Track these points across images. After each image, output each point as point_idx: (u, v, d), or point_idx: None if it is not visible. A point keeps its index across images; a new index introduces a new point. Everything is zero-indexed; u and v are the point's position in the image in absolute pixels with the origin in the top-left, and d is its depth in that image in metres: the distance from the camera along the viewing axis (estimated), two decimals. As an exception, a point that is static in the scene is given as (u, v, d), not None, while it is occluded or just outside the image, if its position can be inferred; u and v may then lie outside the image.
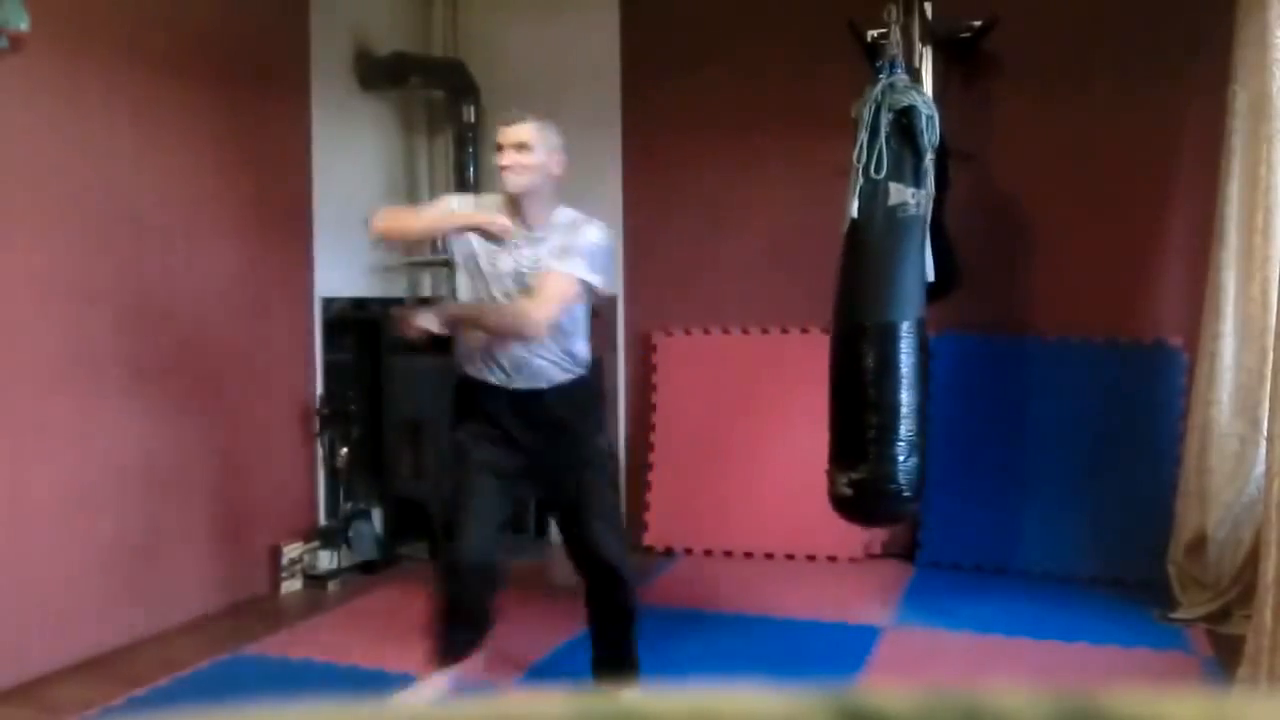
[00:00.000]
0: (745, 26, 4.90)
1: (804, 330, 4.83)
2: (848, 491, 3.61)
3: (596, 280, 2.91)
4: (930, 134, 3.63)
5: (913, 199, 3.63)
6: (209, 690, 3.26)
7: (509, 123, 2.89)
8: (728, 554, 4.76)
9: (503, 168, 2.86)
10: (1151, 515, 4.14)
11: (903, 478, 3.57)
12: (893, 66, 3.69)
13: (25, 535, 3.34)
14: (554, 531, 5.19)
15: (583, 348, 3.02)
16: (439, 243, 3.06)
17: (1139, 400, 4.38)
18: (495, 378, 2.94)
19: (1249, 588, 3.39)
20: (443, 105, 5.24)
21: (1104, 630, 3.70)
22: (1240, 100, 3.76)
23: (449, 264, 3.03)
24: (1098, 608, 3.94)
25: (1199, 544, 3.86)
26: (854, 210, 3.59)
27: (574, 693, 0.34)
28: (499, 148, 2.88)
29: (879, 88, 3.61)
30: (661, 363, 5.06)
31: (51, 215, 3.43)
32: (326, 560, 4.44)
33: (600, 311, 5.19)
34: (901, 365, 3.58)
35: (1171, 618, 3.80)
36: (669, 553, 4.86)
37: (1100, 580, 4.18)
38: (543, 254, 2.86)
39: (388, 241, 2.88)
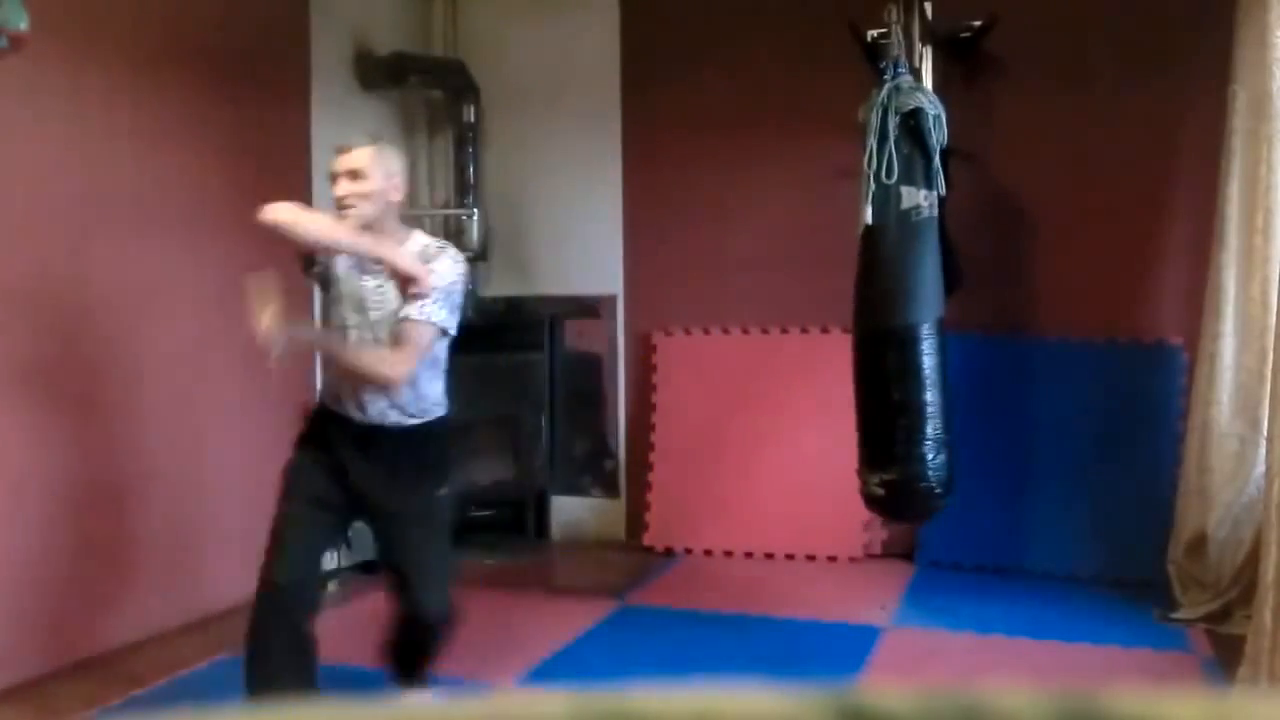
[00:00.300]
0: (745, 26, 4.90)
1: (804, 330, 4.83)
2: (880, 491, 3.66)
3: (452, 324, 2.73)
4: (939, 134, 3.65)
5: (925, 201, 3.65)
6: (208, 690, 3.26)
7: (342, 150, 2.71)
8: (728, 554, 4.76)
9: (338, 199, 2.67)
10: (1151, 515, 4.14)
11: (933, 475, 3.63)
12: (896, 67, 3.69)
13: (24, 535, 3.34)
14: (554, 532, 5.22)
15: (434, 388, 2.84)
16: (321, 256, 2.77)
17: (1139, 400, 4.38)
18: (345, 410, 2.80)
19: (1249, 588, 3.39)
20: (443, 105, 5.24)
21: (1104, 630, 3.70)
22: (1240, 100, 3.76)
23: (318, 276, 2.79)
24: (1098, 608, 3.94)
25: (1199, 544, 3.86)
26: (868, 216, 3.60)
27: (574, 693, 0.34)
28: (333, 177, 2.69)
29: (884, 91, 3.61)
30: (661, 363, 5.06)
31: (51, 215, 3.43)
32: (327, 560, 4.44)
33: (600, 312, 5.20)
34: (925, 366, 3.62)
35: (1171, 618, 3.80)
36: (669, 553, 4.86)
37: (1100, 580, 4.18)
38: (388, 287, 2.69)
39: (280, 233, 2.58)
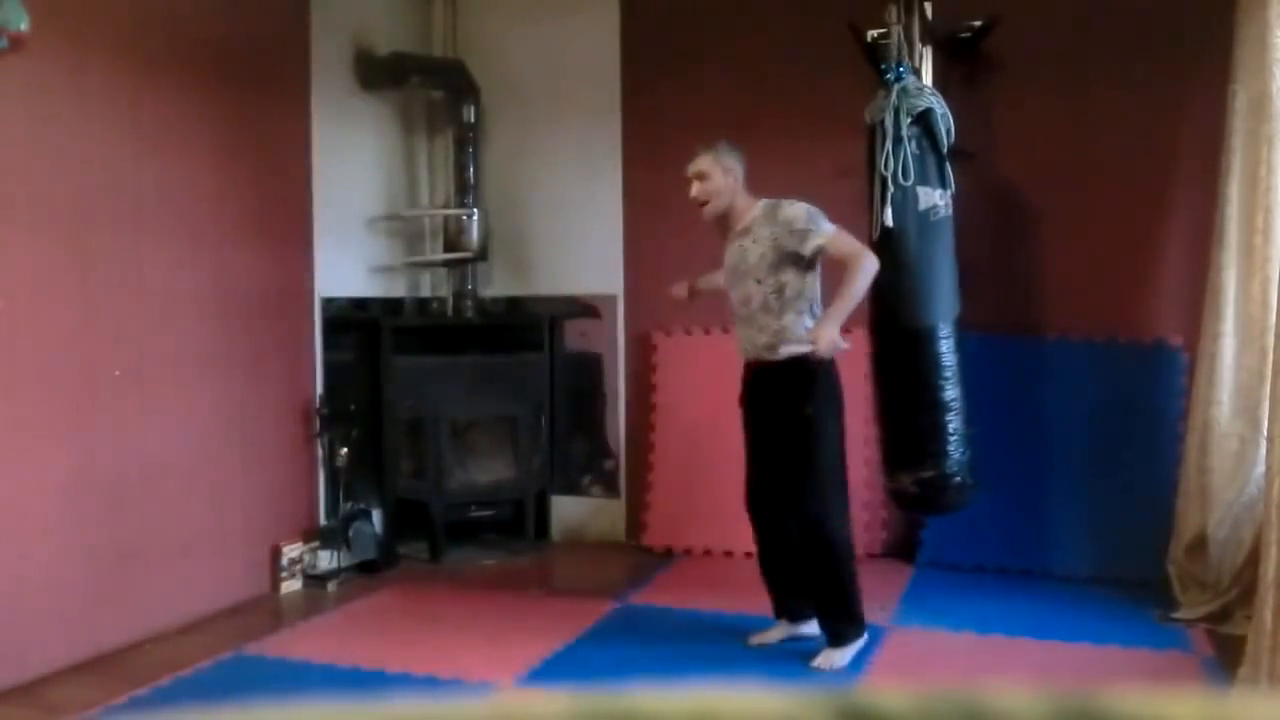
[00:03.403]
0: (745, 26, 4.90)
1: (804, 330, 4.83)
2: (914, 490, 3.72)
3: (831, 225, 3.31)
4: (948, 133, 3.67)
5: (941, 201, 3.66)
6: (209, 690, 3.26)
7: (691, 159, 3.40)
8: (728, 554, 4.76)
9: (693, 198, 3.41)
10: (1151, 515, 4.14)
11: (964, 468, 3.70)
12: (899, 68, 3.70)
13: (25, 535, 3.34)
14: (554, 532, 5.22)
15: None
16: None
17: (1139, 400, 4.38)
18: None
19: (1249, 588, 3.39)
20: (443, 105, 5.25)
21: (1104, 630, 3.70)
22: (1240, 100, 3.76)
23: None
24: (1098, 608, 3.94)
25: (1199, 544, 3.86)
26: (888, 218, 3.61)
27: (574, 693, 0.34)
28: (688, 182, 3.41)
29: (894, 92, 3.62)
30: (661, 363, 5.05)
31: (51, 215, 3.43)
32: (326, 560, 4.44)
33: (600, 312, 5.20)
34: (947, 364, 3.66)
35: (1172, 618, 3.80)
36: (669, 553, 4.86)
37: (1100, 580, 4.18)
38: (748, 244, 3.36)
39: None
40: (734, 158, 3.39)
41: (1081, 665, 3.43)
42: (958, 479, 3.76)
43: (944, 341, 3.70)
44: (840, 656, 3.44)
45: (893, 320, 3.72)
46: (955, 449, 3.73)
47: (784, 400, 3.39)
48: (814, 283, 3.35)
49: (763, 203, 3.39)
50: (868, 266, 3.23)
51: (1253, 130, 3.73)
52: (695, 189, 3.38)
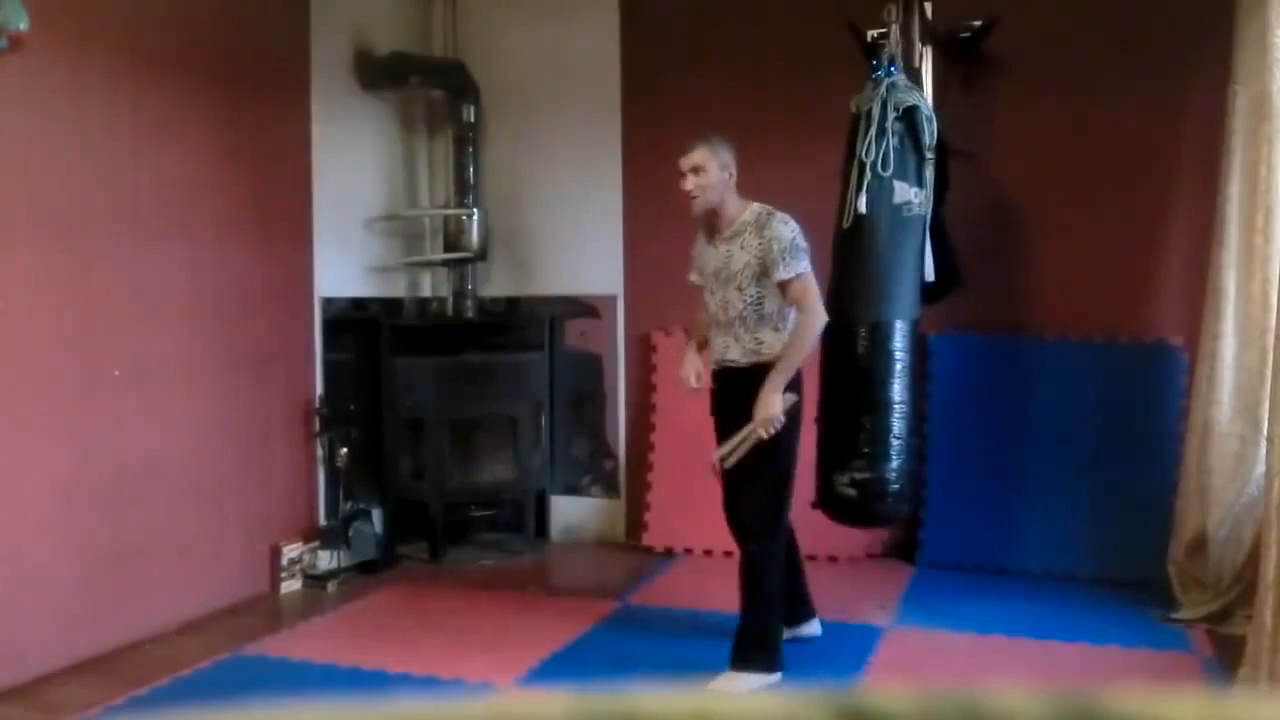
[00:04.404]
0: (745, 26, 4.90)
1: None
2: (850, 493, 3.60)
3: (806, 264, 3.23)
4: (930, 135, 3.65)
5: (915, 198, 3.64)
6: (209, 690, 3.26)
7: (684, 151, 3.31)
8: (728, 554, 4.75)
9: (686, 191, 3.29)
10: (1151, 515, 4.14)
11: (904, 478, 3.59)
12: (891, 65, 3.70)
13: (25, 535, 3.34)
14: (554, 532, 5.22)
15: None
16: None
17: (1139, 400, 4.38)
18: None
19: (1250, 588, 3.39)
20: (443, 105, 5.25)
21: (1104, 630, 3.70)
22: (1240, 100, 3.76)
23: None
24: (1098, 608, 3.94)
25: (1199, 544, 3.86)
26: (862, 206, 3.59)
27: (574, 693, 0.34)
28: (681, 175, 3.30)
29: (883, 86, 3.62)
30: (661, 363, 5.05)
31: (51, 216, 3.43)
32: (326, 560, 4.44)
33: (600, 312, 5.20)
34: (898, 364, 3.60)
35: (1172, 618, 3.80)
36: (669, 553, 4.86)
37: (1100, 580, 4.18)
38: (735, 250, 3.26)
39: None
40: (729, 154, 3.29)
41: (1081, 665, 3.43)
42: (895, 487, 3.60)
43: (899, 339, 3.63)
44: (739, 684, 3.18)
45: (849, 311, 3.63)
46: (897, 454, 3.59)
47: (751, 403, 3.22)
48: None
49: (754, 208, 3.28)
50: (816, 324, 3.20)
51: (1253, 130, 3.73)
52: (690, 182, 3.25)
